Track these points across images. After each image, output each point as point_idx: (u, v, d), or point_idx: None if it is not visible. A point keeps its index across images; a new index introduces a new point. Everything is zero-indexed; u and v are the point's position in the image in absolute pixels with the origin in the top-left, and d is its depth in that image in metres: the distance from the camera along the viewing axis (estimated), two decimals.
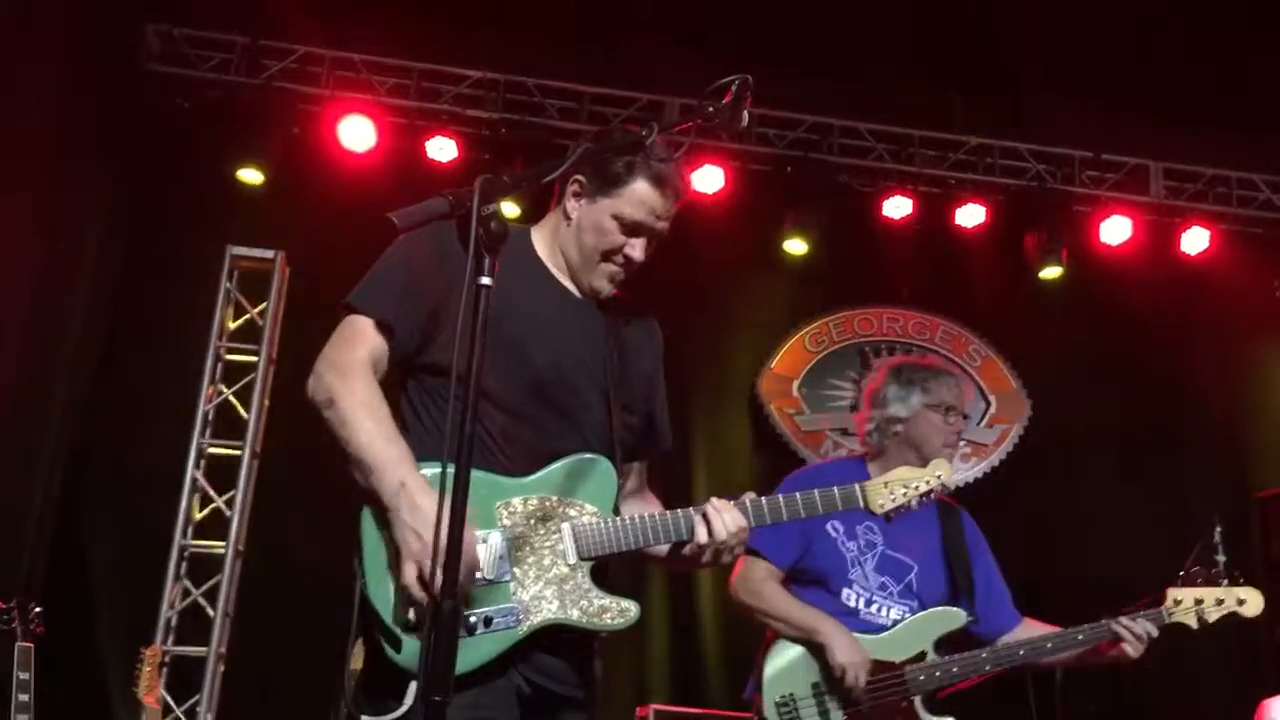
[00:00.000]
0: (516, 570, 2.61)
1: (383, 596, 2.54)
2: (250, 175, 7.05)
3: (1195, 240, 7.76)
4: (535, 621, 2.61)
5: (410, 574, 2.45)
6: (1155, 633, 3.84)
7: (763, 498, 2.85)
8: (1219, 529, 4.30)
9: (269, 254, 6.66)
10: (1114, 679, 6.43)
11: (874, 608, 3.93)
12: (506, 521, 2.64)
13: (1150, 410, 7.78)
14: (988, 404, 7.72)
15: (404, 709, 2.49)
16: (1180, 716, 7.17)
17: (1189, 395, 7.88)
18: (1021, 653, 3.89)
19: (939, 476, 3.01)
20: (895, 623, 3.91)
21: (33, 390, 6.21)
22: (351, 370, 2.64)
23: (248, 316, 6.68)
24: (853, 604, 3.92)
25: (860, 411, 4.26)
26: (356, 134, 7.10)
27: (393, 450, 2.56)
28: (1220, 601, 3.85)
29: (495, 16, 7.26)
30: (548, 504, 2.68)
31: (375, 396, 2.64)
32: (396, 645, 2.51)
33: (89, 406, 6.68)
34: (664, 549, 2.78)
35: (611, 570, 2.75)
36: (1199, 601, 3.84)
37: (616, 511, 2.76)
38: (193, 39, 7.26)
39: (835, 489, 2.97)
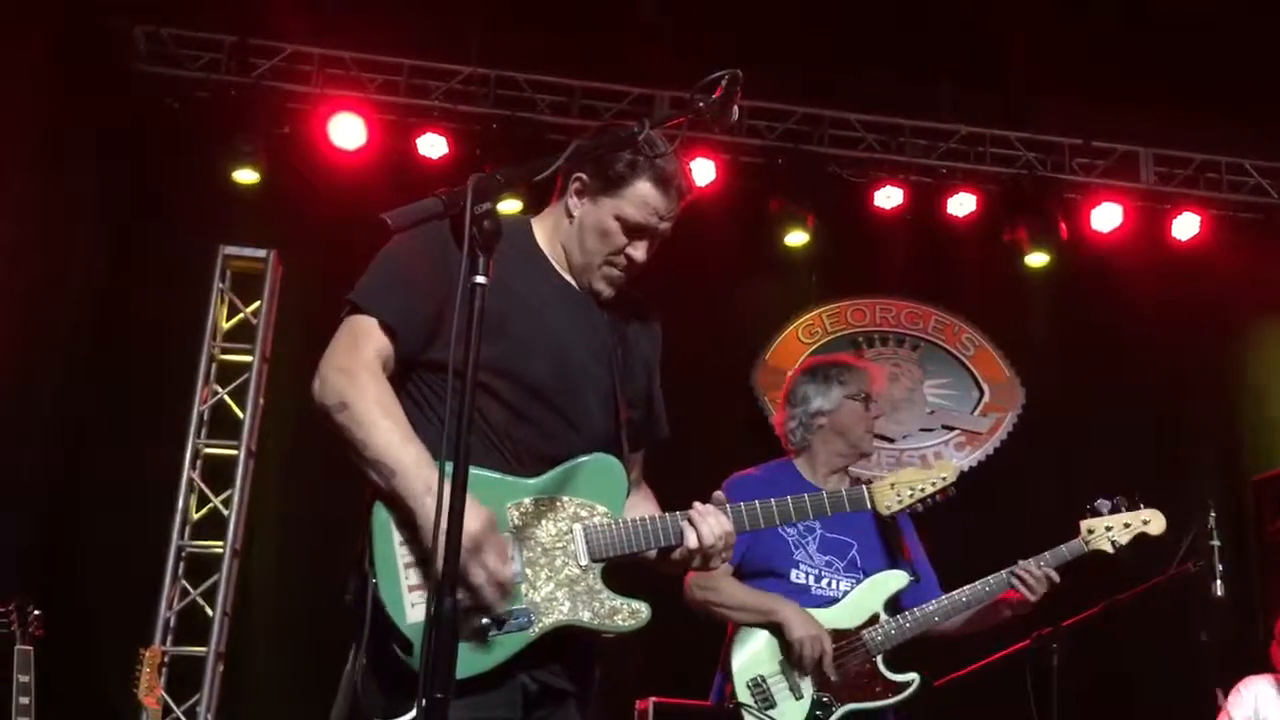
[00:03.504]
0: (528, 571, 2.59)
1: (395, 598, 2.50)
2: (241, 174, 7.01)
3: (1186, 226, 7.76)
4: (547, 623, 2.58)
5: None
6: (1055, 577, 4.00)
7: (755, 502, 2.83)
8: (1213, 514, 4.42)
9: (261, 253, 6.64)
10: (1109, 671, 6.47)
11: (824, 582, 4.08)
12: (518, 522, 2.61)
13: (1144, 395, 7.79)
14: (981, 392, 7.73)
15: (416, 710, 2.48)
16: (1175, 706, 7.19)
17: (1183, 380, 7.89)
18: (965, 598, 4.03)
19: (945, 478, 3.05)
20: (845, 593, 4.07)
21: (26, 392, 6.20)
22: (360, 371, 2.58)
23: (241, 316, 6.67)
24: (803, 581, 4.07)
25: (776, 415, 4.44)
26: (347, 132, 7.07)
27: (413, 451, 2.51)
28: (1127, 525, 4.04)
29: (484, 11, 7.24)
30: (559, 504, 2.66)
31: (388, 396, 2.59)
32: (408, 648, 2.47)
33: (83, 408, 6.67)
34: (653, 552, 2.74)
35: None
36: (1108, 528, 4.04)
37: None
38: (180, 38, 7.22)
39: (843, 490, 3.06)
